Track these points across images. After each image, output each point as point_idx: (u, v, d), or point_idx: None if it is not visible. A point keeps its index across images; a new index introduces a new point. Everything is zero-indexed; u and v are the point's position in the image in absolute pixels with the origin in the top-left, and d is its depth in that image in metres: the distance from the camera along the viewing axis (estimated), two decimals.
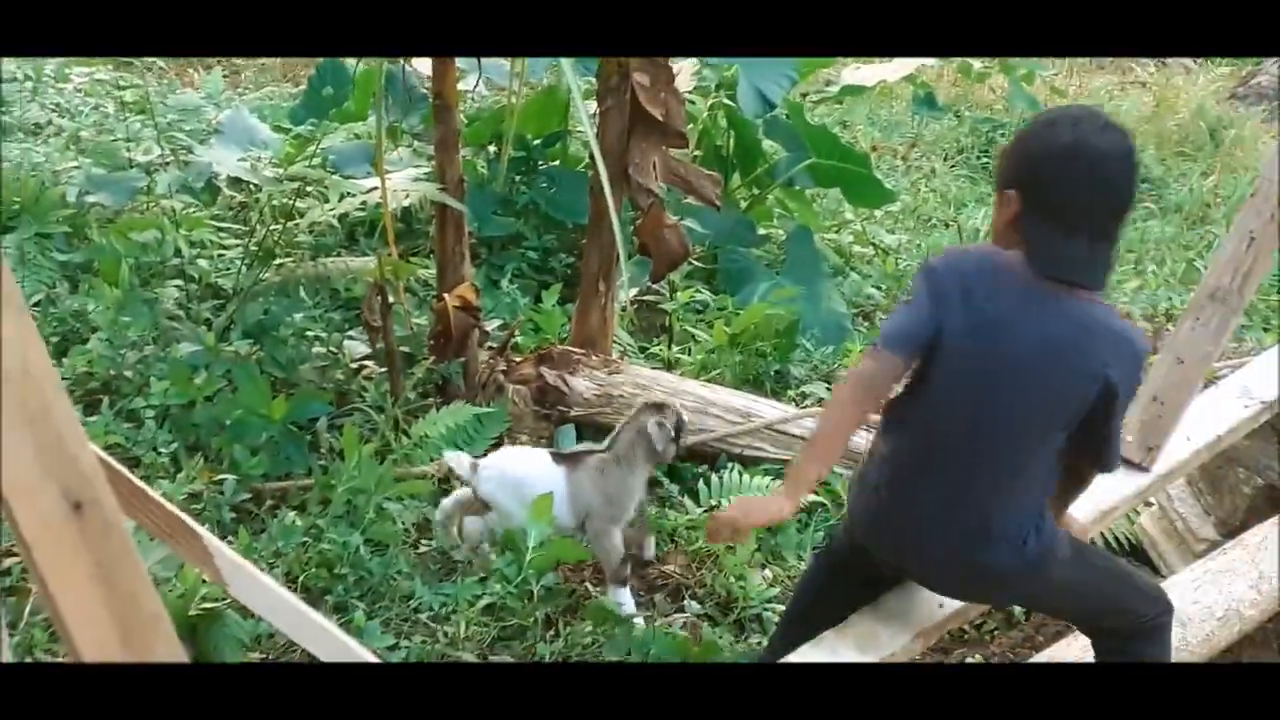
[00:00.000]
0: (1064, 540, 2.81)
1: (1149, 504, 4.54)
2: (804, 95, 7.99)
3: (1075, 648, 3.34)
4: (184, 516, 2.04)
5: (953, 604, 3.14)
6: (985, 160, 9.96)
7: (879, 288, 6.75)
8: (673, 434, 3.83)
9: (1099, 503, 3.53)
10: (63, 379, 3.89)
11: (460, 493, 3.88)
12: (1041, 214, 2.53)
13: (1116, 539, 4.53)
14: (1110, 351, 2.54)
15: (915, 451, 2.74)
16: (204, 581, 3.28)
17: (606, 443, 3.85)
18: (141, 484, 2.02)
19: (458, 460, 3.78)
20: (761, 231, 6.64)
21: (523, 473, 3.78)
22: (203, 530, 2.05)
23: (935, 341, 2.60)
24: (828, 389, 5.25)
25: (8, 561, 3.46)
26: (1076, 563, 2.87)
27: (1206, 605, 3.72)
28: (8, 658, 1.92)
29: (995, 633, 4.05)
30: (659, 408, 3.87)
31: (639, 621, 3.66)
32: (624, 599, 3.77)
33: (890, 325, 2.68)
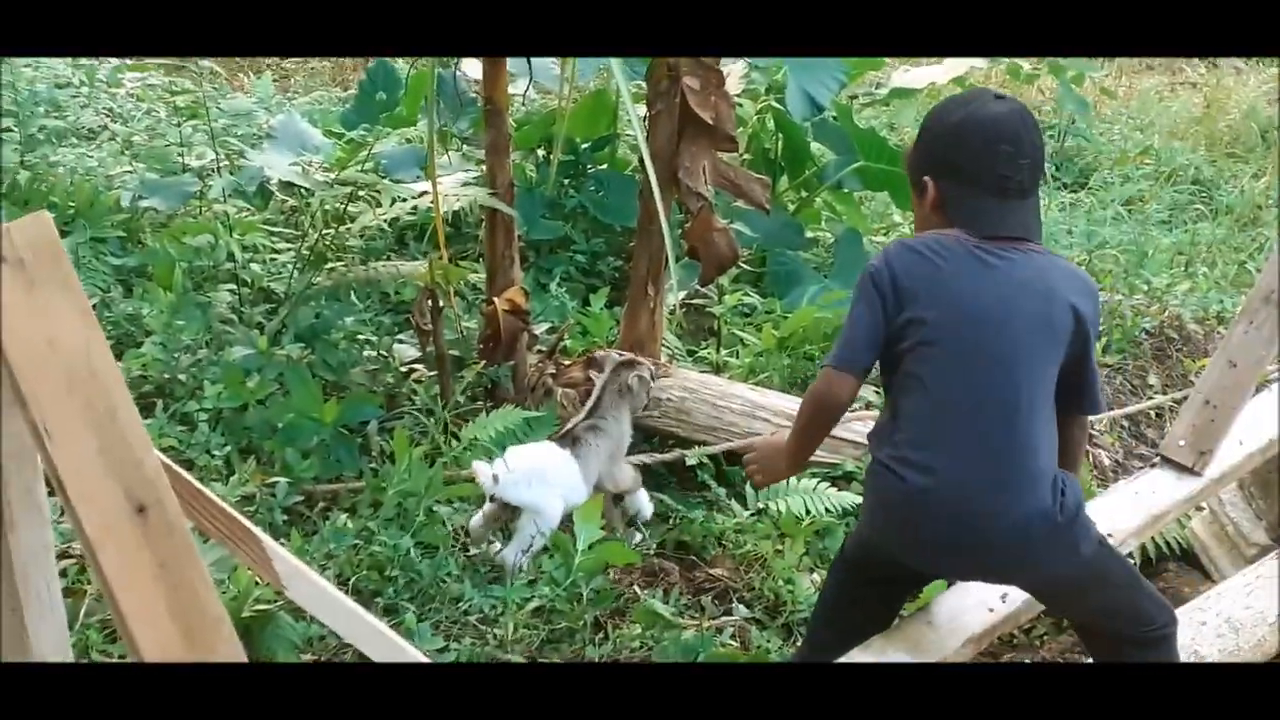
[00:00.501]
0: (1089, 516, 2.81)
1: (1200, 509, 4.50)
2: (852, 98, 7.97)
3: None
4: (242, 519, 2.06)
5: (1003, 608, 3.13)
6: None
7: None
8: (651, 385, 4.34)
9: (1150, 508, 3.52)
10: None
11: (486, 509, 3.91)
12: (963, 188, 2.71)
13: (1168, 544, 4.50)
14: (1069, 285, 2.68)
15: (934, 431, 2.71)
16: (257, 584, 3.31)
17: (589, 407, 4.16)
18: (200, 486, 2.04)
19: (483, 473, 3.80)
20: (810, 234, 6.63)
21: (541, 465, 3.88)
22: (261, 533, 2.07)
23: (900, 334, 2.70)
24: (876, 392, 5.22)
25: (64, 563, 3.49)
26: (1103, 547, 2.89)
27: (1259, 610, 3.69)
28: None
29: (1045, 637, 4.03)
30: (631, 364, 4.26)
31: (687, 630, 3.67)
32: (643, 501, 4.24)
33: (838, 345, 2.78)
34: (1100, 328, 2.75)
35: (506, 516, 3.89)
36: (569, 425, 4.12)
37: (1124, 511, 3.50)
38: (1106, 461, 5.22)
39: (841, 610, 3.12)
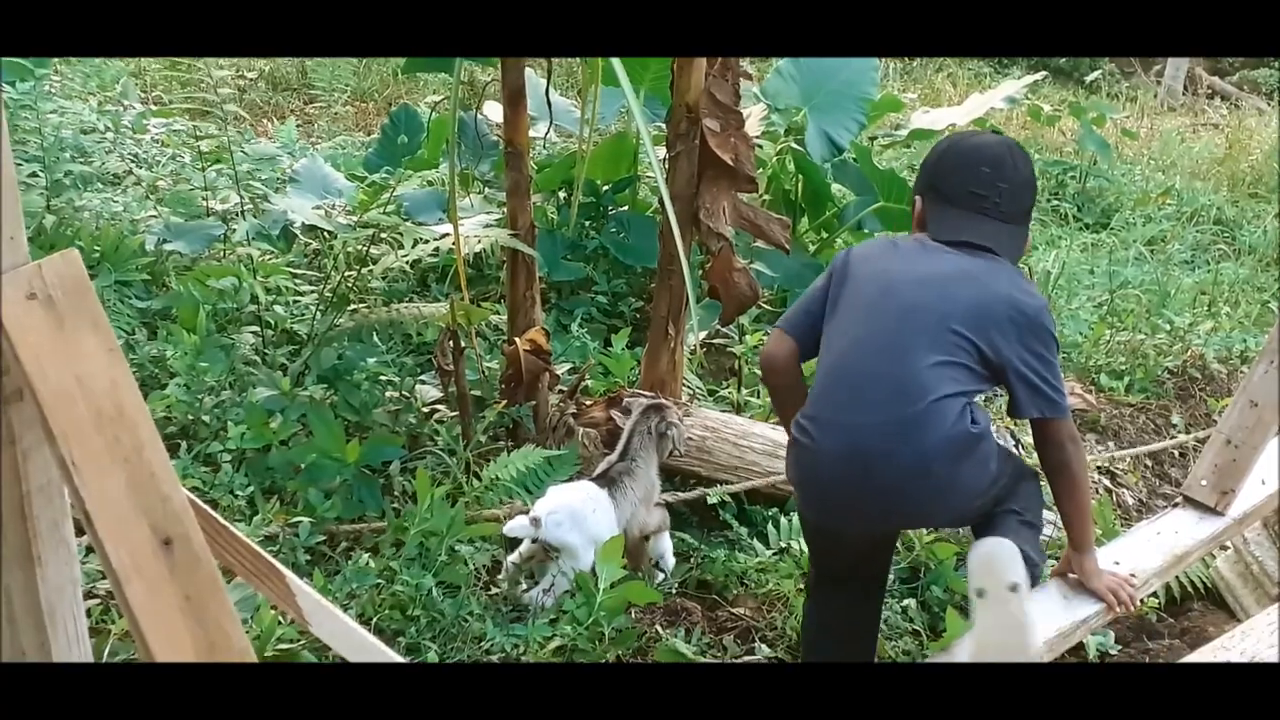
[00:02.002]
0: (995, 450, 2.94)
1: (1224, 548, 4.49)
2: (872, 139, 8.00)
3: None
4: (267, 555, 2.08)
5: None
6: (1056, 203, 9.92)
7: None
8: (683, 430, 4.34)
9: (1173, 548, 3.51)
10: None
11: (523, 548, 3.92)
12: (940, 203, 2.95)
13: (1192, 583, 4.49)
14: (1012, 286, 2.84)
15: (832, 385, 2.90)
16: (280, 623, 3.32)
17: (620, 450, 4.15)
18: (226, 523, 2.06)
19: (519, 526, 3.81)
20: None
21: (582, 506, 3.88)
22: (286, 570, 2.08)
23: (833, 306, 2.96)
24: None
25: (88, 603, 3.50)
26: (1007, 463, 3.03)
27: None
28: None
29: None
30: (659, 409, 4.26)
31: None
32: (666, 545, 4.22)
33: (789, 310, 3.12)
34: (1047, 348, 2.85)
35: (542, 557, 3.89)
36: (603, 467, 4.13)
37: (1147, 551, 3.50)
38: (1130, 501, 5.20)
39: (826, 623, 3.15)
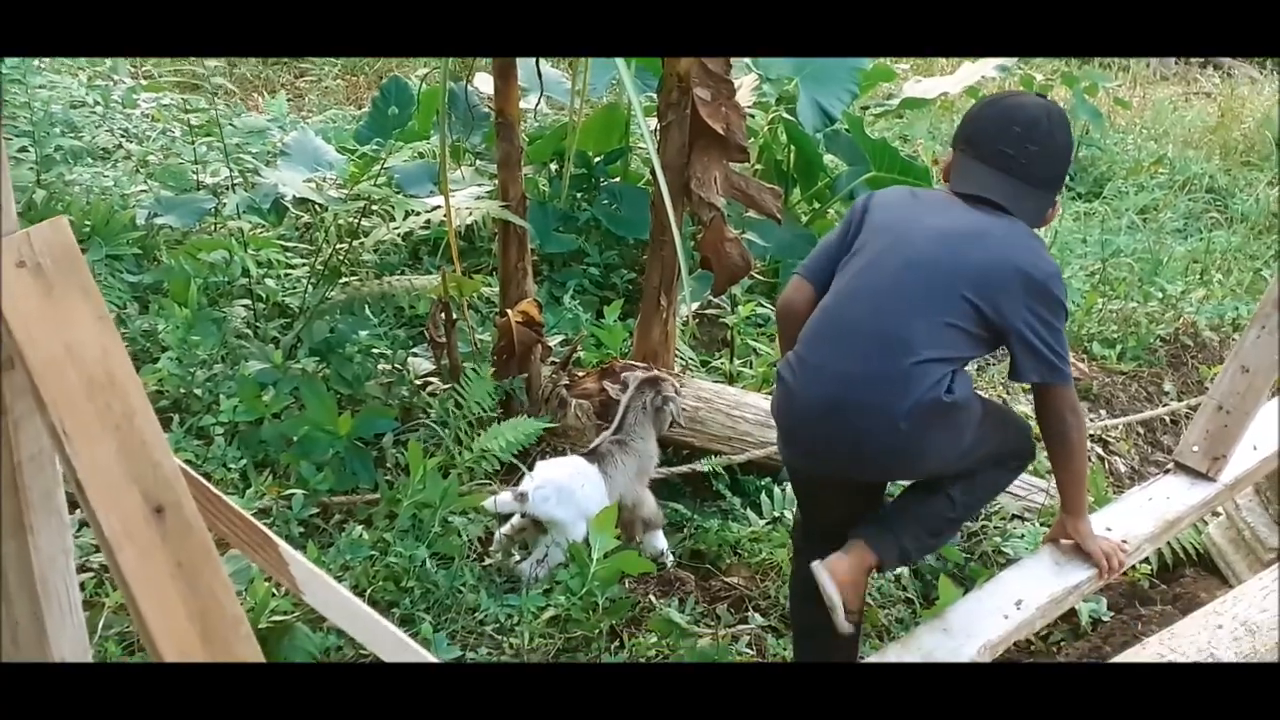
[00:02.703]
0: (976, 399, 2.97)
1: (1216, 514, 4.50)
2: (864, 109, 7.98)
3: (1145, 655, 3.31)
4: (260, 525, 2.08)
5: (1018, 615, 3.13)
6: None
7: None
8: (679, 403, 4.33)
9: (1164, 513, 3.52)
10: None
11: (513, 522, 3.93)
12: (969, 156, 2.94)
13: (1185, 549, 4.50)
14: (1023, 254, 2.82)
15: (825, 328, 2.92)
16: (274, 594, 3.33)
17: (616, 424, 4.17)
18: (218, 493, 2.06)
19: (503, 501, 3.84)
20: None
21: (570, 481, 3.91)
22: (279, 539, 2.08)
23: (849, 253, 2.97)
24: None
25: (82, 576, 3.51)
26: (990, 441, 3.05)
27: (1276, 613, 3.68)
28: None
29: (1062, 643, 4.02)
30: (654, 382, 4.26)
31: (703, 638, 3.68)
32: (661, 542, 4.19)
33: (809, 256, 3.11)
34: (1060, 314, 2.90)
35: (534, 531, 3.91)
36: (596, 441, 4.14)
37: (1138, 517, 3.51)
38: (1122, 468, 5.22)
39: (812, 587, 3.17)
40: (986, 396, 3.20)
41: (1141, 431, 5.61)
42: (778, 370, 3.01)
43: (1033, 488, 4.46)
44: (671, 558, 4.21)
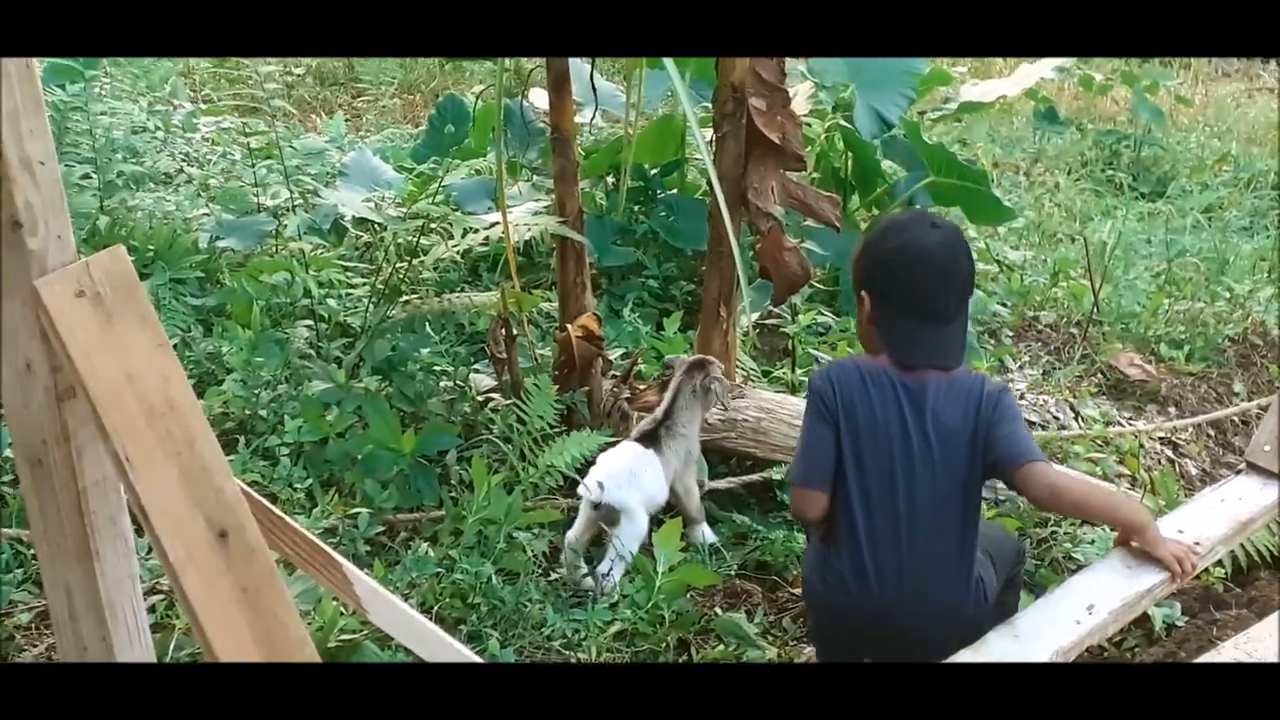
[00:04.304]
0: (988, 573, 3.08)
1: None
2: (921, 114, 7.94)
3: (1222, 659, 3.25)
4: (323, 545, 2.08)
5: (1090, 620, 3.09)
6: (1110, 173, 9.82)
7: (1004, 304, 6.67)
8: (727, 385, 4.34)
9: (1236, 515, 3.45)
10: None
11: (582, 519, 3.93)
12: (891, 311, 2.93)
13: (1259, 551, 4.42)
14: (972, 394, 2.90)
15: (859, 552, 2.93)
16: (342, 613, 3.34)
17: (665, 408, 4.18)
18: (281, 514, 2.07)
19: (591, 488, 3.84)
20: None
21: (635, 465, 3.97)
22: (343, 559, 2.09)
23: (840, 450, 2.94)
24: None
25: (152, 599, 3.54)
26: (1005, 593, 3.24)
27: None
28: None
29: (1135, 649, 3.96)
30: (702, 364, 4.27)
31: (769, 649, 3.65)
32: (708, 533, 4.22)
33: (799, 467, 3.03)
34: (1011, 410, 2.96)
35: (598, 530, 3.91)
36: (648, 425, 4.15)
37: (1210, 519, 3.44)
38: (1193, 470, 5.15)
39: None
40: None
41: (1212, 433, 5.53)
42: (829, 579, 3.03)
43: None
44: (715, 537, 4.25)
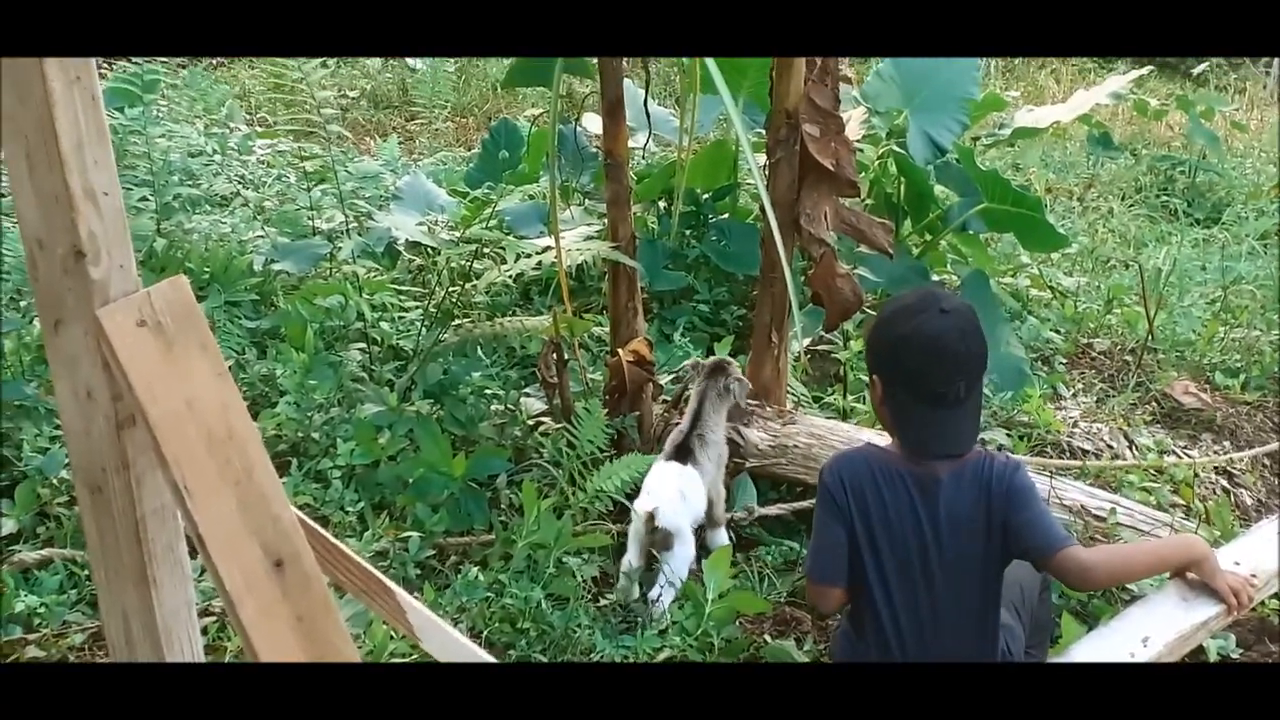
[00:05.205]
0: (1015, 636, 3.13)
1: None
2: (975, 139, 7.91)
3: None
4: (377, 573, 2.09)
5: (1144, 653, 3.06)
6: (1165, 199, 9.74)
7: (1058, 331, 6.63)
8: (747, 385, 4.35)
9: None
10: None
11: (635, 544, 3.93)
12: (902, 396, 2.89)
13: None
14: (982, 478, 2.87)
15: (888, 622, 2.93)
16: (392, 638, 3.35)
17: (692, 416, 4.18)
18: (336, 541, 2.08)
19: (645, 513, 3.84)
20: (936, 277, 6.56)
21: (681, 485, 3.99)
22: (395, 586, 2.10)
23: (854, 547, 2.94)
24: (1008, 435, 5.17)
25: (204, 620, 3.56)
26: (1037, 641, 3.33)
27: None
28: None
29: None
30: (723, 366, 4.29)
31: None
32: (724, 537, 4.21)
33: (813, 563, 3.04)
34: (1030, 489, 2.93)
35: (654, 549, 3.91)
36: (676, 440, 4.15)
37: (1267, 551, 3.40)
38: (1249, 501, 5.08)
39: None
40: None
41: (1268, 463, 5.46)
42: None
43: (1155, 522, 4.36)
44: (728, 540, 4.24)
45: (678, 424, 4.26)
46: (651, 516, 3.81)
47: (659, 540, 3.87)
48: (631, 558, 3.92)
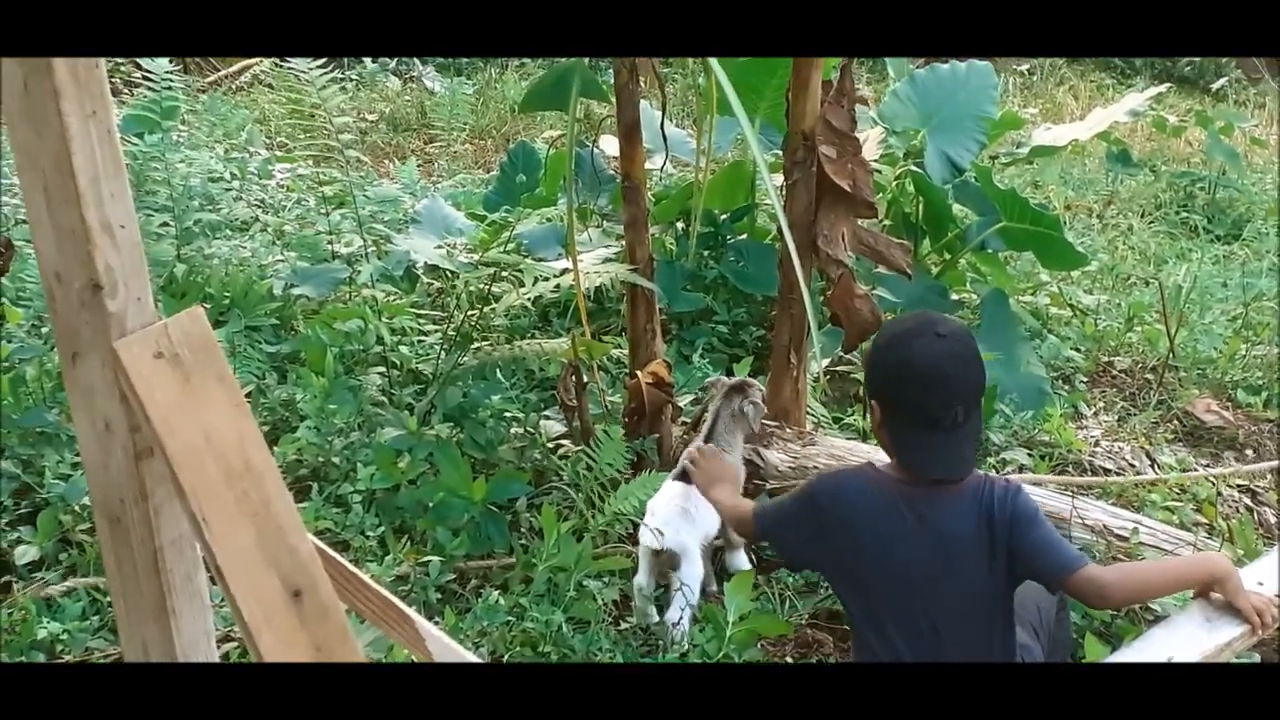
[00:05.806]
0: (1036, 656, 3.14)
1: None
2: (993, 158, 7.91)
3: None
4: (396, 600, 2.10)
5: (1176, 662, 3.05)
6: (1185, 215, 9.71)
7: (1079, 349, 6.61)
8: (764, 408, 4.29)
9: None
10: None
11: (645, 566, 3.92)
12: (899, 420, 2.88)
13: None
14: (982, 501, 2.85)
15: (882, 652, 2.92)
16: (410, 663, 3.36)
17: (706, 434, 4.14)
18: (355, 569, 2.08)
19: (653, 536, 3.83)
20: (955, 297, 6.56)
21: (686, 504, 3.93)
22: (414, 613, 2.10)
23: (840, 572, 3.02)
24: (1029, 455, 5.15)
25: (225, 647, 3.57)
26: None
27: None
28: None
29: None
30: (742, 388, 4.23)
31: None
32: (744, 560, 4.21)
33: (774, 505, 3.20)
34: (1034, 512, 2.90)
35: (664, 566, 3.90)
36: (684, 459, 4.13)
37: (1255, 579, 3.39)
38: (1272, 519, 5.05)
39: None
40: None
41: None
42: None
43: (1179, 541, 4.34)
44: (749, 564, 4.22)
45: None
46: (659, 534, 3.81)
47: (665, 561, 3.86)
48: (641, 577, 3.92)
